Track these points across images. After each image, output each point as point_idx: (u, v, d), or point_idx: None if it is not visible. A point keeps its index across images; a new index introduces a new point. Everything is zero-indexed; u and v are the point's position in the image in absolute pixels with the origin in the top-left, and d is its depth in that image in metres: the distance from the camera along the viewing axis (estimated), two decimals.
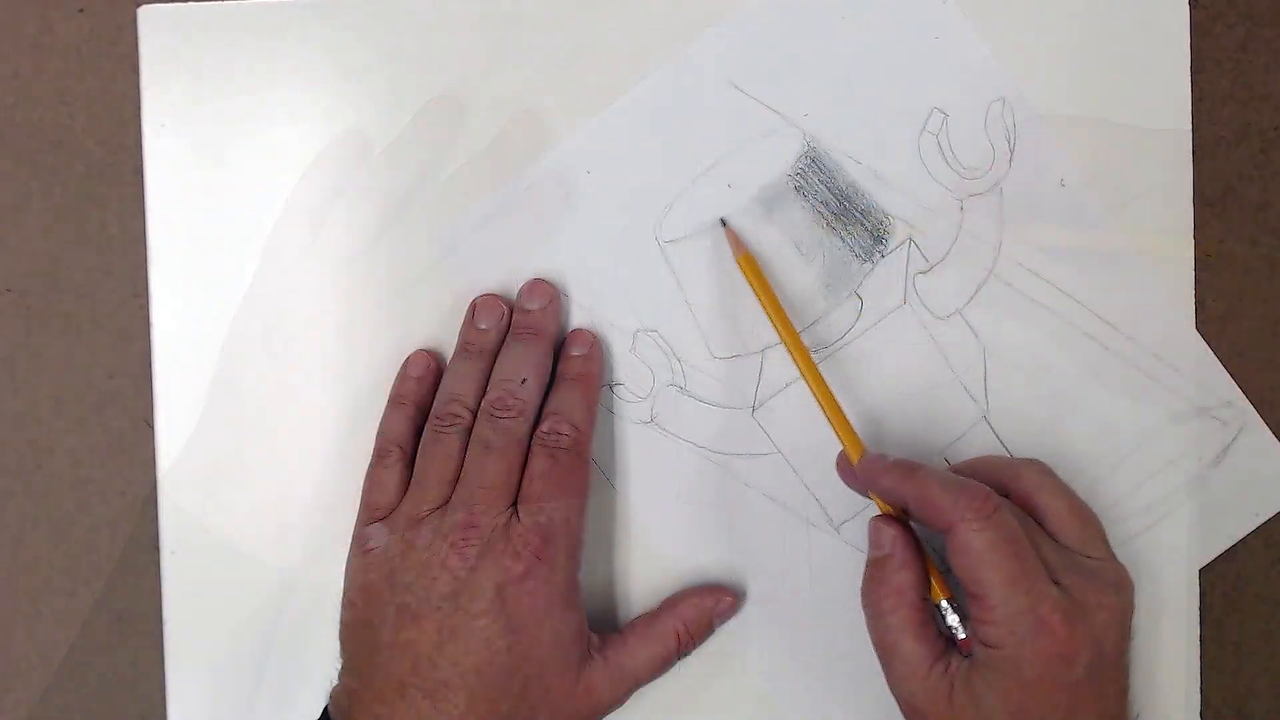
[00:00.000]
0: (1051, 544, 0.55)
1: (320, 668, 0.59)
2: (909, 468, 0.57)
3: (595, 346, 0.63)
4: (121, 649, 0.65)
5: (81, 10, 0.64)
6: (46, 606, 0.65)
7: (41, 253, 0.64)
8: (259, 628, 0.64)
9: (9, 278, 0.64)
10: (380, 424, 0.62)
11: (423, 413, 0.62)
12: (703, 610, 0.62)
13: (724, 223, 0.62)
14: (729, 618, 0.63)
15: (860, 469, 0.58)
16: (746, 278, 0.61)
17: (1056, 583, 0.53)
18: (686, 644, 0.61)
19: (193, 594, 0.64)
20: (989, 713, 0.53)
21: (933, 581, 0.56)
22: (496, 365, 0.61)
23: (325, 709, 0.58)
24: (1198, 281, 0.64)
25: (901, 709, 0.56)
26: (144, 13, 0.63)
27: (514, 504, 0.57)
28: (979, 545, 0.53)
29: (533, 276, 0.63)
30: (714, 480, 0.64)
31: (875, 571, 0.57)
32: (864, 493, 0.59)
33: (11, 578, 0.65)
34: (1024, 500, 0.57)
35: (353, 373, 0.64)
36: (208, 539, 0.64)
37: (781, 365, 0.63)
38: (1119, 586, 0.55)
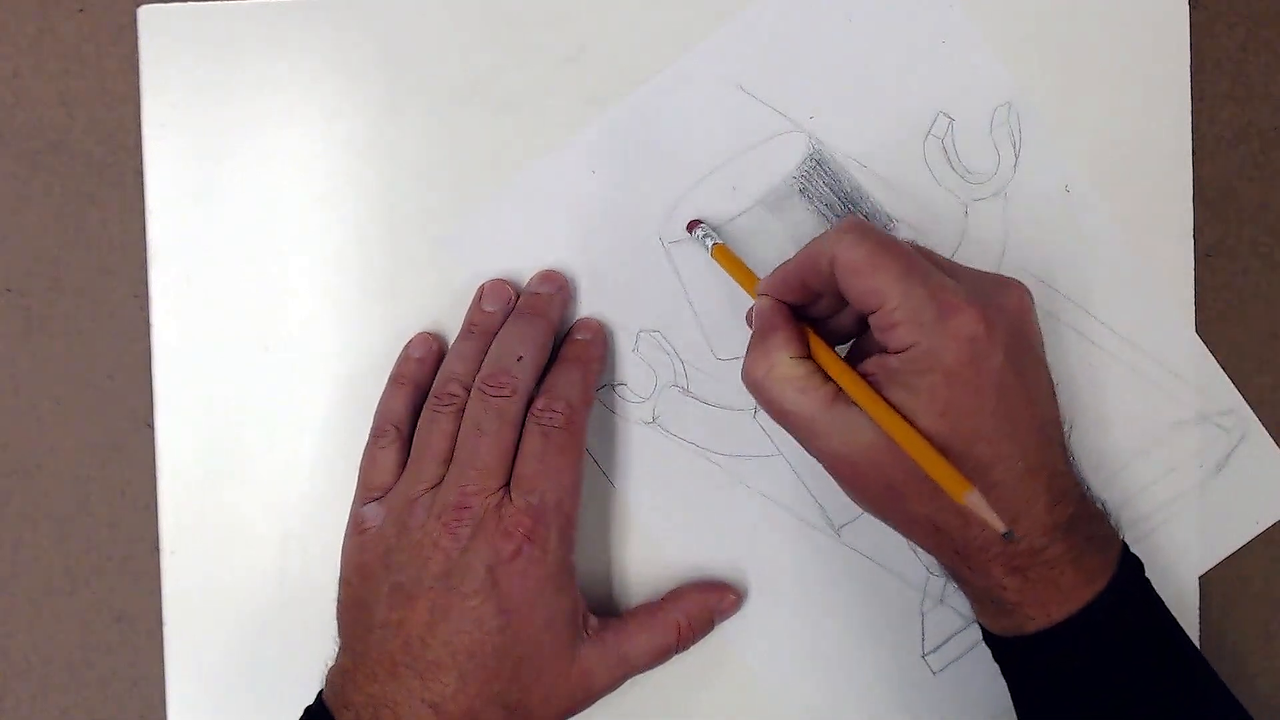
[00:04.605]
0: (939, 258, 0.55)
1: (320, 667, 0.58)
2: (778, 271, 0.57)
3: (600, 333, 0.63)
4: (121, 649, 0.65)
5: (81, 10, 0.64)
6: (46, 606, 0.65)
7: (41, 253, 0.64)
8: (259, 627, 0.64)
9: (9, 278, 0.64)
10: (379, 404, 0.62)
11: (422, 393, 0.62)
12: (706, 605, 0.62)
13: None
14: (730, 615, 0.63)
15: (762, 302, 0.57)
16: None
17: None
18: (687, 637, 0.61)
19: (193, 594, 0.64)
20: (920, 423, 0.52)
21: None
22: (495, 341, 0.61)
23: (321, 690, 0.58)
24: (1198, 281, 0.64)
25: (832, 470, 0.55)
26: (144, 13, 0.63)
27: (507, 483, 0.57)
28: (862, 254, 0.52)
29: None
30: (715, 481, 0.64)
31: (748, 351, 0.56)
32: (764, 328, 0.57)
33: (11, 578, 0.65)
34: None
35: (351, 375, 0.64)
36: (208, 539, 0.64)
37: None
38: (1014, 284, 0.55)
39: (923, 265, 0.53)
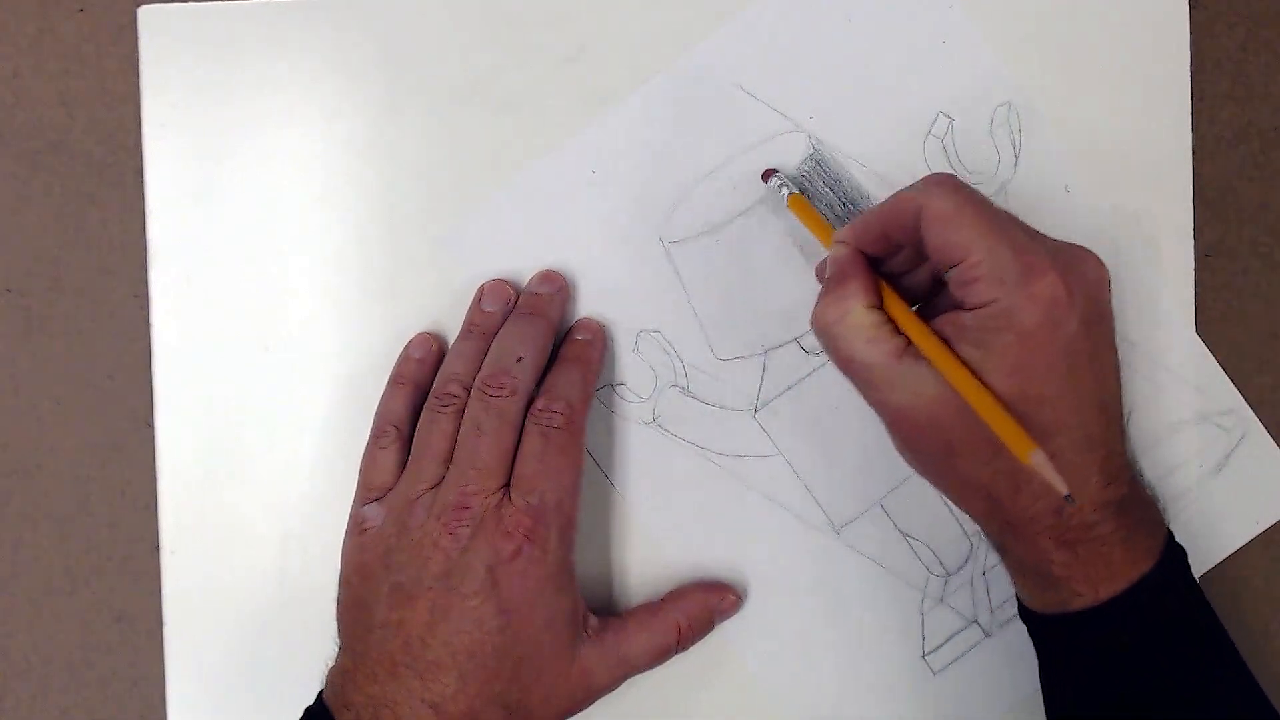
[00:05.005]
0: (1022, 223, 0.55)
1: (320, 667, 0.58)
2: (860, 219, 0.56)
3: (600, 334, 0.63)
4: (121, 649, 0.65)
5: (81, 10, 0.64)
6: (46, 606, 0.65)
7: (41, 253, 0.64)
8: (259, 627, 0.64)
9: (9, 278, 0.64)
10: (379, 404, 0.62)
11: (422, 393, 0.62)
12: (706, 606, 0.62)
13: None
14: (730, 616, 0.63)
15: (840, 249, 0.57)
16: None
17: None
18: (686, 637, 0.61)
19: (193, 594, 0.64)
20: (989, 381, 0.51)
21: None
22: (494, 341, 0.61)
23: (321, 691, 0.58)
24: (1198, 281, 0.64)
25: (891, 425, 0.55)
26: (144, 13, 0.63)
27: (507, 484, 0.57)
28: (950, 207, 0.52)
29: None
30: (715, 482, 0.64)
31: (821, 296, 0.56)
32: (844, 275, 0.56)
33: (11, 578, 0.65)
34: None
35: (351, 375, 0.64)
36: (208, 539, 0.64)
37: (784, 367, 0.63)
38: (1093, 256, 0.55)
39: (1007, 224, 0.53)
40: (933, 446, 0.54)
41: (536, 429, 0.58)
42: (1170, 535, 0.56)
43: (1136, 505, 0.55)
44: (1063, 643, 0.56)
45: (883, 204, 0.55)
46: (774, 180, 0.62)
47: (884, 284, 0.55)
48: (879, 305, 0.54)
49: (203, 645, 0.64)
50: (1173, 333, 0.64)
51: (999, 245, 0.51)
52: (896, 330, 0.54)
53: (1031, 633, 0.57)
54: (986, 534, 0.57)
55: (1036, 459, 0.50)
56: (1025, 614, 0.57)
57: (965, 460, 0.53)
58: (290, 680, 0.61)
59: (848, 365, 0.55)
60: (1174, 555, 0.56)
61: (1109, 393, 0.54)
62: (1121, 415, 0.55)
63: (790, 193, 0.61)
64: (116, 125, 0.64)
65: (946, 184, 0.53)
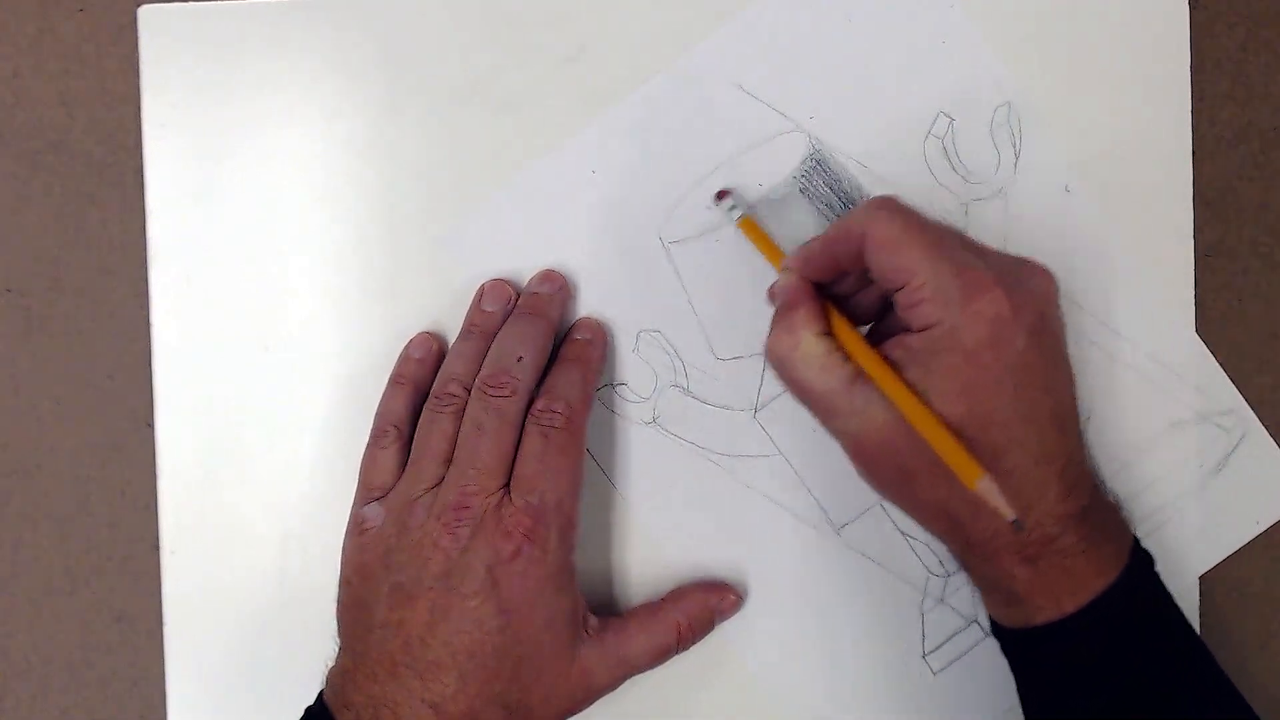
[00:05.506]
0: (968, 240, 0.55)
1: (320, 667, 0.58)
2: (806, 247, 0.57)
3: (600, 333, 0.63)
4: (121, 649, 0.65)
5: (81, 10, 0.64)
6: (46, 606, 0.65)
7: (41, 253, 0.64)
8: (259, 627, 0.64)
9: (9, 278, 0.64)
10: (379, 404, 0.62)
11: (422, 394, 0.62)
12: (706, 606, 0.62)
13: None
14: (730, 615, 0.63)
15: (788, 277, 0.57)
16: None
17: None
18: (687, 637, 0.61)
19: (193, 594, 0.64)
20: (936, 404, 0.52)
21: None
22: (495, 341, 0.61)
23: (322, 691, 0.58)
24: (1197, 282, 0.64)
25: (849, 451, 0.55)
26: (144, 13, 0.63)
27: (507, 484, 0.57)
28: (892, 232, 0.52)
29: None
30: (716, 482, 0.64)
31: (772, 326, 0.56)
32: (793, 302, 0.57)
33: (11, 578, 0.65)
34: None
35: (351, 375, 0.64)
36: (208, 539, 0.64)
37: None
38: (1040, 268, 0.55)
39: (951, 244, 0.53)
40: (890, 471, 0.54)
41: (537, 429, 0.58)
42: (1136, 541, 0.56)
43: (1098, 513, 0.54)
44: (1031, 657, 0.56)
45: (828, 231, 0.56)
46: (726, 202, 0.62)
47: (832, 309, 0.55)
48: (828, 332, 0.55)
49: (203, 645, 0.64)
50: (1173, 333, 0.64)
51: (941, 266, 0.51)
52: (848, 357, 0.54)
53: (1003, 648, 0.57)
54: (951, 553, 0.56)
55: (983, 486, 0.50)
56: (994, 628, 0.57)
57: (923, 484, 0.53)
58: (290, 680, 0.61)
59: (803, 394, 0.55)
60: (1140, 562, 0.55)
61: (1063, 404, 0.54)
62: (1079, 424, 0.55)
63: (741, 216, 0.61)
64: (116, 125, 0.64)
65: (888, 207, 0.53)
